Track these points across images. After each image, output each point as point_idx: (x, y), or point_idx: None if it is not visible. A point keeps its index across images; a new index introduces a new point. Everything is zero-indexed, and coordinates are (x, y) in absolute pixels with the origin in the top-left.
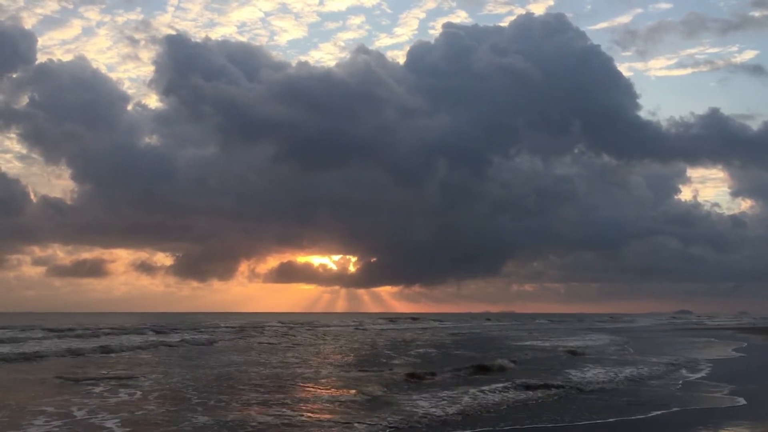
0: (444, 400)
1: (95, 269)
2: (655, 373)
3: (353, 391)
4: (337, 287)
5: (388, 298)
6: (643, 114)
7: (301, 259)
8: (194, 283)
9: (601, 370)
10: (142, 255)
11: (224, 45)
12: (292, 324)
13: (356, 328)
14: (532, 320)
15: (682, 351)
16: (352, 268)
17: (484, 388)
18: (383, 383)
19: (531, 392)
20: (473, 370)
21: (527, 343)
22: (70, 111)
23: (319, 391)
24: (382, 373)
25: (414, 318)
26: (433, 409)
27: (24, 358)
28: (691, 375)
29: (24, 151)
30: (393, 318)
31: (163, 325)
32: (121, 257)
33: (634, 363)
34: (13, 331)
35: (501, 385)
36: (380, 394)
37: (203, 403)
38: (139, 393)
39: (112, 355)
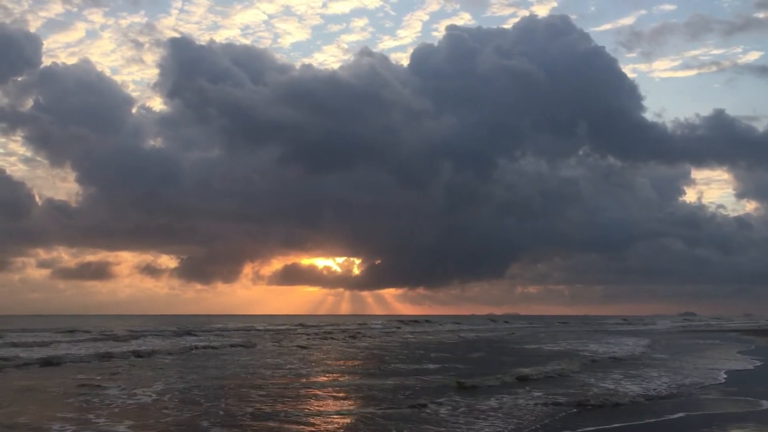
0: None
1: (100, 272)
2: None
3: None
4: (341, 289)
5: (392, 301)
6: (647, 115)
7: (306, 261)
8: (198, 286)
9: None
10: (146, 258)
11: (228, 48)
12: (317, 326)
13: (383, 332)
14: (544, 322)
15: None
16: (356, 271)
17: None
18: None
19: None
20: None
21: (564, 347)
22: (75, 114)
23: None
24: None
25: (426, 320)
26: None
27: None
28: None
29: (29, 154)
30: (406, 321)
31: (186, 328)
32: (126, 260)
33: (690, 371)
34: (48, 333)
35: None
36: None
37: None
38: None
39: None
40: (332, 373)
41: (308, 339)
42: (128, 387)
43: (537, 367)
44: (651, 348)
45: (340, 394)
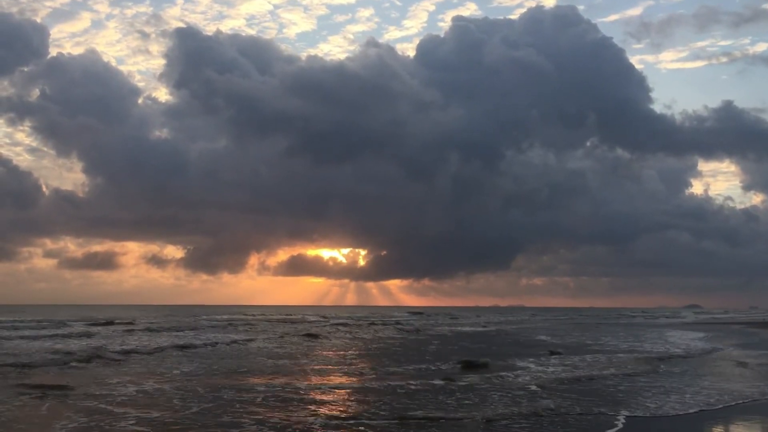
0: None
1: (106, 262)
2: None
3: None
4: (346, 280)
5: (397, 292)
6: (655, 107)
7: (311, 252)
8: (204, 276)
9: None
10: (152, 248)
11: (235, 38)
12: (345, 317)
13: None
14: (557, 316)
15: None
16: (361, 262)
17: None
18: None
19: None
20: None
21: (630, 345)
22: (82, 104)
23: None
24: None
25: (449, 313)
26: None
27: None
28: None
29: (36, 144)
30: (421, 311)
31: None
32: (132, 250)
33: None
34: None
35: None
36: None
37: None
38: None
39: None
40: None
41: (385, 330)
42: None
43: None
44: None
45: None
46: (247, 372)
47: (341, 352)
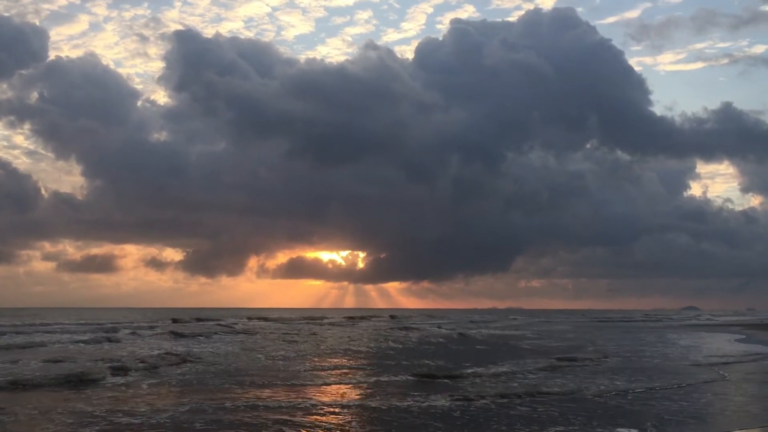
0: None
1: (105, 265)
2: None
3: None
4: (345, 283)
5: (396, 294)
6: (655, 109)
7: (310, 254)
8: (202, 279)
9: None
10: (151, 251)
11: (234, 41)
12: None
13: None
14: (566, 318)
15: None
16: (360, 264)
17: None
18: None
19: None
20: None
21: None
22: (81, 107)
23: None
24: None
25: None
26: None
27: None
28: None
29: (33, 147)
30: (432, 314)
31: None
32: (131, 253)
33: None
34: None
35: None
36: None
37: None
38: None
39: None
40: None
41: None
42: None
43: None
44: None
45: None
46: None
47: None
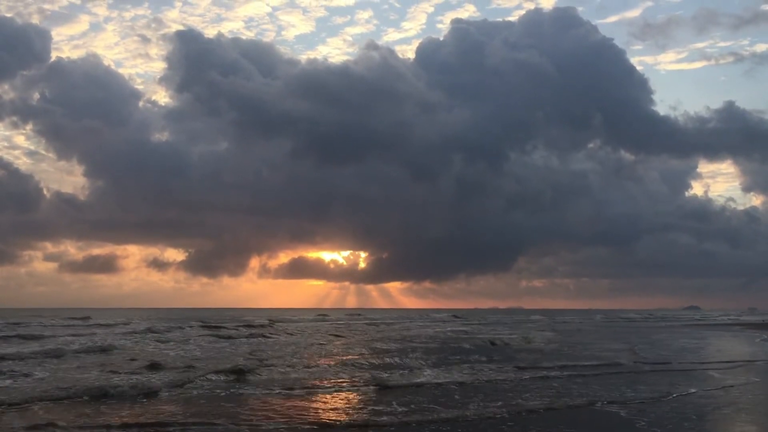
0: None
1: (107, 265)
2: None
3: None
4: (346, 283)
5: (397, 294)
6: (658, 108)
7: (312, 254)
8: (204, 279)
9: None
10: (153, 251)
11: (236, 41)
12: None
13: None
14: (573, 318)
15: None
16: (362, 264)
17: None
18: None
19: None
20: None
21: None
22: (83, 108)
23: None
24: None
25: (455, 316)
26: None
27: None
28: None
29: (35, 147)
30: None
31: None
32: (133, 253)
33: None
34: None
35: None
36: None
37: None
38: None
39: None
40: None
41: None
42: None
43: None
44: None
45: None
46: None
47: None
